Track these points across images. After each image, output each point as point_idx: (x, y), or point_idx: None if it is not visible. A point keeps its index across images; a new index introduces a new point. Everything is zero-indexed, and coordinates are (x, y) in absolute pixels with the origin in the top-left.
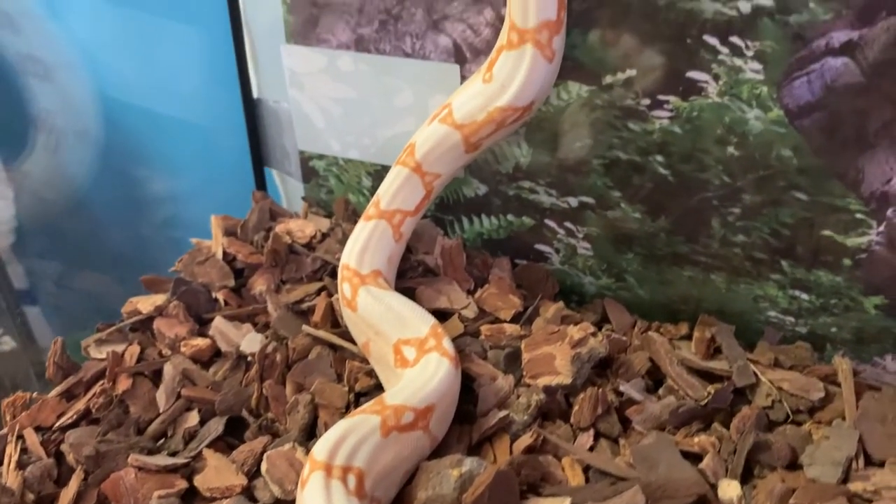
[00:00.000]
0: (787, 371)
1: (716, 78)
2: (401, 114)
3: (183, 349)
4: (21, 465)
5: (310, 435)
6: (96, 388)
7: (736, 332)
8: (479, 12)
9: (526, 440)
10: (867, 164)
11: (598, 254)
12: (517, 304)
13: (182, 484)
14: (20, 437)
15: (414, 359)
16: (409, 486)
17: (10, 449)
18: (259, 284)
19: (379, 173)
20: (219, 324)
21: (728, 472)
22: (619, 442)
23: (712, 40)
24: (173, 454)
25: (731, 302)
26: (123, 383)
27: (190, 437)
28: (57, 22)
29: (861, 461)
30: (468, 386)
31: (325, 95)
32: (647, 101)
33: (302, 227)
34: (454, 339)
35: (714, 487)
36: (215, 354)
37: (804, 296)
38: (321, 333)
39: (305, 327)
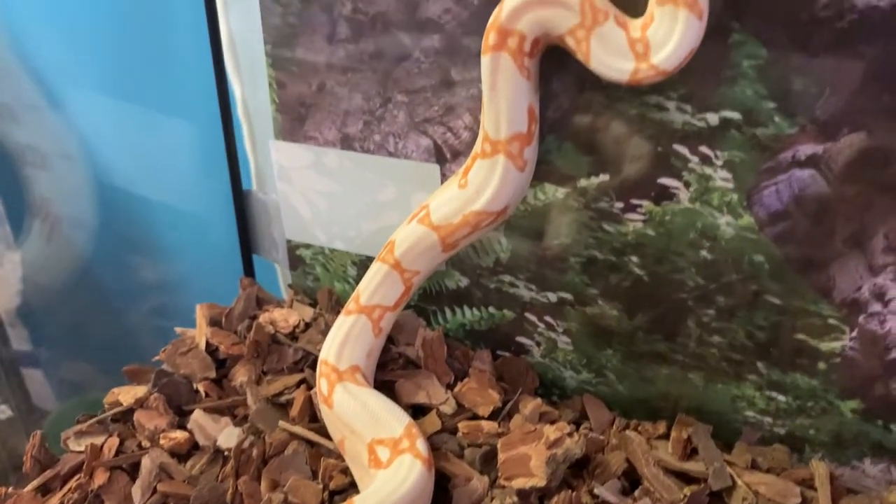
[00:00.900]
0: (765, 474)
1: (687, 185)
2: (384, 208)
3: (162, 442)
4: None
5: None
6: (72, 483)
7: (715, 430)
8: (457, 117)
9: None
10: (837, 272)
11: (578, 349)
12: (496, 399)
13: None
14: None
15: (387, 459)
16: None
17: None
18: (240, 375)
19: (363, 263)
20: (198, 417)
21: None
22: None
23: (682, 149)
24: None
25: (710, 401)
26: (100, 477)
27: None
28: (57, 113)
29: None
30: (443, 486)
31: (312, 189)
32: (620, 205)
33: (286, 317)
34: (431, 436)
35: None
36: (193, 448)
37: (781, 397)
38: (297, 430)
39: (282, 423)
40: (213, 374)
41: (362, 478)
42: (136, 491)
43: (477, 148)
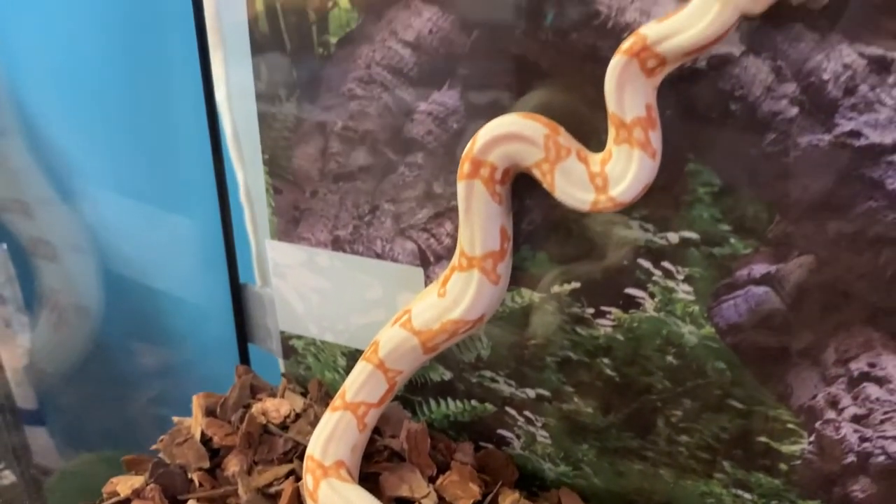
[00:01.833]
0: None
1: (651, 296)
2: (371, 306)
3: None
4: None
5: None
6: None
7: None
8: (440, 224)
9: None
10: (794, 380)
11: (555, 443)
12: (476, 493)
13: None
14: None
15: None
16: None
17: None
18: (232, 465)
19: (353, 354)
20: None
21: None
22: None
23: (646, 263)
24: None
25: (680, 497)
26: None
27: None
28: (68, 207)
29: None
30: None
31: (305, 285)
32: (591, 310)
33: (277, 407)
34: None
35: None
36: None
37: (747, 495)
38: None
39: None
40: (206, 464)
41: None
42: None
43: (455, 261)
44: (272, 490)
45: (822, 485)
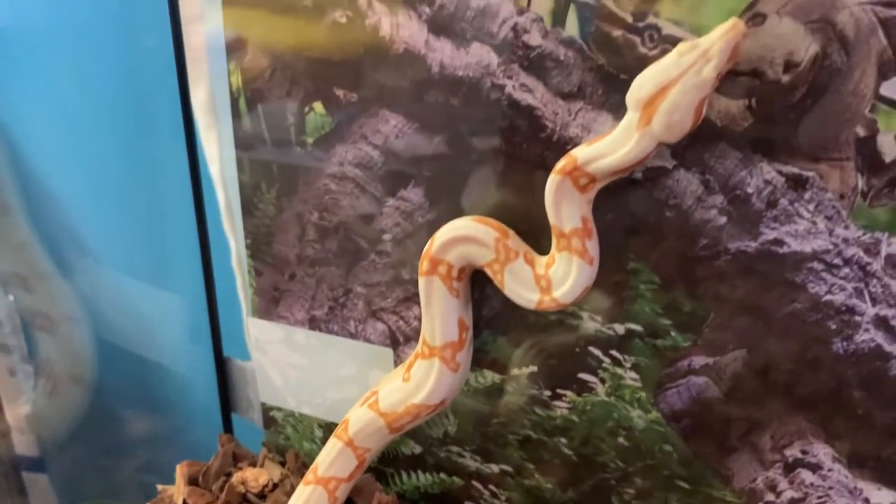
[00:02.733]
0: None
1: (602, 381)
2: (345, 382)
3: None
4: None
5: None
6: None
7: None
8: (408, 308)
9: None
10: (735, 464)
11: None
12: None
13: None
14: None
15: None
16: None
17: None
18: None
19: (329, 426)
20: None
21: None
22: None
23: (596, 351)
24: None
25: None
26: None
27: None
28: (65, 280)
29: None
30: None
31: (283, 361)
32: (548, 393)
33: (256, 476)
34: None
35: None
36: None
37: None
38: None
39: None
40: None
41: None
42: None
43: (418, 348)
44: None
45: None
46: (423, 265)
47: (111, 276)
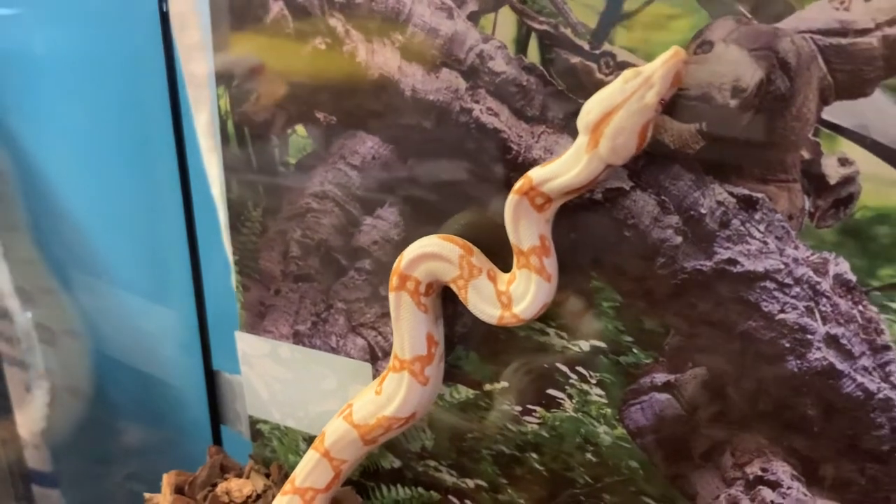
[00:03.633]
0: None
1: (570, 397)
2: (327, 395)
3: None
4: None
5: None
6: None
7: None
8: (386, 323)
9: None
10: (698, 481)
11: None
12: None
13: None
14: None
15: None
16: None
17: None
18: None
19: (313, 440)
20: None
21: None
22: None
23: (563, 368)
24: None
25: None
26: None
27: None
28: (66, 295)
29: None
30: None
31: (269, 374)
32: (519, 408)
33: (241, 487)
34: None
35: None
36: None
37: None
38: None
39: None
40: None
41: None
42: None
43: (390, 362)
44: None
45: None
46: (393, 281)
47: (110, 291)
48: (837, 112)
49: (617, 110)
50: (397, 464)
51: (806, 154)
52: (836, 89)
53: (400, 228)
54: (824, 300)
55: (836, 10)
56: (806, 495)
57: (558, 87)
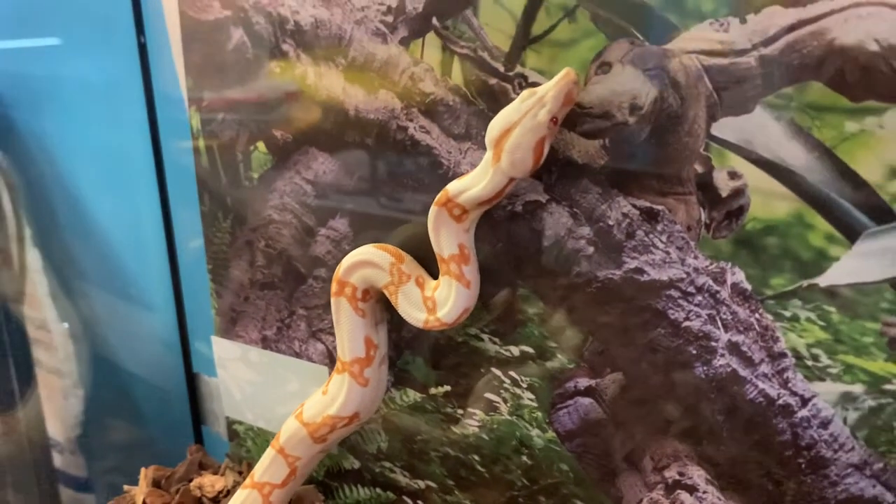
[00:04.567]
0: None
1: (505, 401)
2: (290, 398)
3: None
4: None
5: None
6: None
7: None
8: None
9: None
10: (623, 484)
11: None
12: None
13: None
14: None
15: None
16: None
17: None
18: None
19: None
20: None
21: None
22: None
23: (498, 372)
24: None
25: None
26: None
27: None
28: (66, 300)
29: None
30: None
31: (241, 377)
32: (461, 411)
33: (214, 482)
34: None
35: None
36: None
37: None
38: None
39: None
40: None
41: None
42: None
43: (336, 365)
44: None
45: None
46: (333, 287)
47: (101, 295)
48: (725, 128)
49: (514, 127)
50: (357, 465)
51: (699, 168)
52: (722, 106)
53: (350, 239)
54: (724, 308)
55: (716, 32)
56: (720, 499)
57: (479, 106)
